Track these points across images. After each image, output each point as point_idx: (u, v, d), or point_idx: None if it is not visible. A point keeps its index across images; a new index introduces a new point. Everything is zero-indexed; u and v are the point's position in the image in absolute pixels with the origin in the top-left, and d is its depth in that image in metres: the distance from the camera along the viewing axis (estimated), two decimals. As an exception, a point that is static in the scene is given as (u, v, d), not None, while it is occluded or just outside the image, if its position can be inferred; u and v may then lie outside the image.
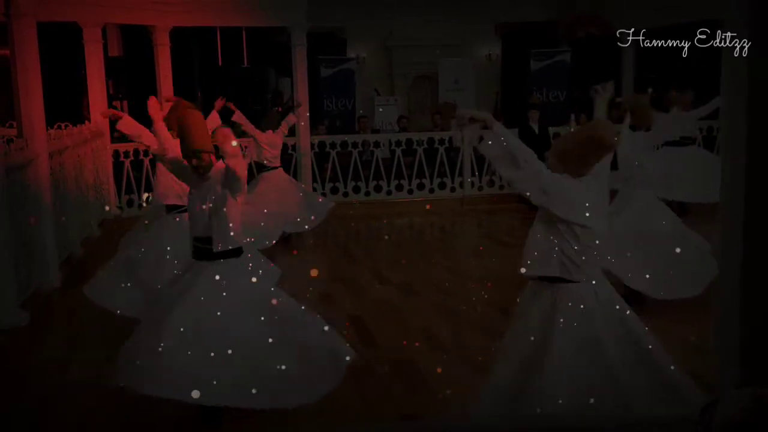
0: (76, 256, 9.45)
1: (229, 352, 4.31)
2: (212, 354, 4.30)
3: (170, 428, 4.84)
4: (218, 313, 4.45)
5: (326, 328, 4.69)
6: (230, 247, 4.67)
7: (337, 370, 4.61)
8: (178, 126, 4.83)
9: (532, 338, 3.94)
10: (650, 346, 3.97)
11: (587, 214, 3.89)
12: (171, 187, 6.60)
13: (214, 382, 4.24)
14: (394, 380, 5.52)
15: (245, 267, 4.83)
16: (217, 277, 4.58)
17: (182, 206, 6.22)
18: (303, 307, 4.76)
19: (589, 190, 3.96)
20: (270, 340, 4.44)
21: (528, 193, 3.95)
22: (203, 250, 4.70)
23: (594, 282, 4.01)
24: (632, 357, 3.91)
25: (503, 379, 4.05)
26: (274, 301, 4.65)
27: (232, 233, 4.64)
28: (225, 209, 4.62)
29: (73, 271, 8.82)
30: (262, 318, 4.54)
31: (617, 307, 4.02)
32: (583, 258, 3.92)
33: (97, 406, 5.04)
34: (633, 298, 6.44)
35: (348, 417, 4.35)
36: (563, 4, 16.46)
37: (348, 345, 4.77)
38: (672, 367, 3.95)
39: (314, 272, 8.13)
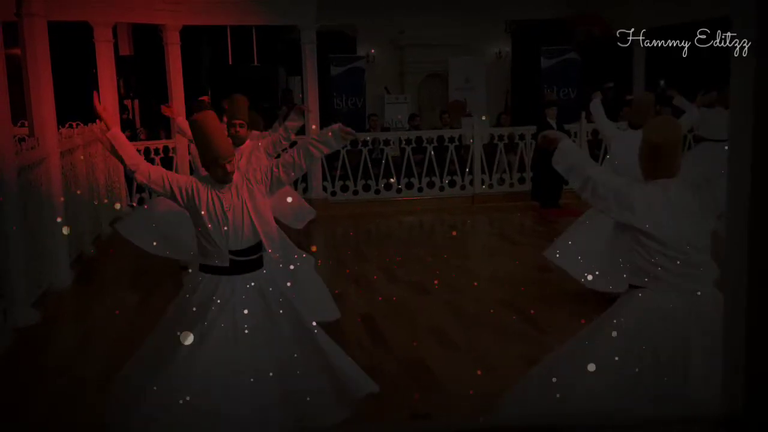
0: (87, 255, 9.48)
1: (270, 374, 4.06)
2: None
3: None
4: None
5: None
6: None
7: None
8: (197, 133, 4.27)
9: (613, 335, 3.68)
10: None
11: (646, 220, 3.67)
12: None
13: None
14: (405, 379, 5.51)
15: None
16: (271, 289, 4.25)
17: None
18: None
19: (651, 194, 3.74)
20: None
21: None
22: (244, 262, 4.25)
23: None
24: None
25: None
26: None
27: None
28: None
29: (84, 270, 8.85)
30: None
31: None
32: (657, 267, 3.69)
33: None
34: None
35: (358, 416, 4.33)
36: (573, 1, 16.42)
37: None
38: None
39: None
